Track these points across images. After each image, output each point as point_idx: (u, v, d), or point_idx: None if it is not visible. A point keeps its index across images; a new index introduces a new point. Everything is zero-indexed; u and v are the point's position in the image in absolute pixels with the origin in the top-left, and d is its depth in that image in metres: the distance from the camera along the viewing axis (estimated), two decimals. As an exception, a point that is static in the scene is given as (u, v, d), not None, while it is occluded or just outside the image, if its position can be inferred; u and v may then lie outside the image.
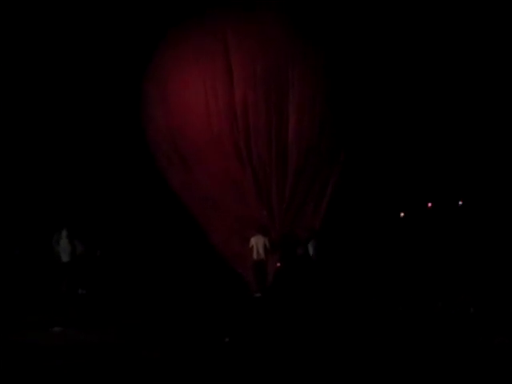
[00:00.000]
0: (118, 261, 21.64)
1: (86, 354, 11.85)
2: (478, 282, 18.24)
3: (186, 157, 20.10)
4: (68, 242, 20.15)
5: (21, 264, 20.64)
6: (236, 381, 10.25)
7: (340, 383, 10.11)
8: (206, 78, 19.52)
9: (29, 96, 22.61)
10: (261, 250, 19.71)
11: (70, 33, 22.15)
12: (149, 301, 18.10)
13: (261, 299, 19.04)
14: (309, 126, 19.38)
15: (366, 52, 19.62)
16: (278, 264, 19.81)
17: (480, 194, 23.28)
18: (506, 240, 20.65)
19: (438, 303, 16.40)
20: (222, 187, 19.92)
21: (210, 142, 19.65)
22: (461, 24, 21.15)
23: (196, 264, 21.34)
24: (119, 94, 21.80)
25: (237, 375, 10.51)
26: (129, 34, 21.79)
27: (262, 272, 19.95)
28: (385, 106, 19.88)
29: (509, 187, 22.34)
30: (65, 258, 20.07)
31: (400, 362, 11.15)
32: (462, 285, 18.22)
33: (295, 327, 14.27)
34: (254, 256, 19.78)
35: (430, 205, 24.24)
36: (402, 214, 24.02)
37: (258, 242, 19.76)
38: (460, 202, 24.00)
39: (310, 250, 19.84)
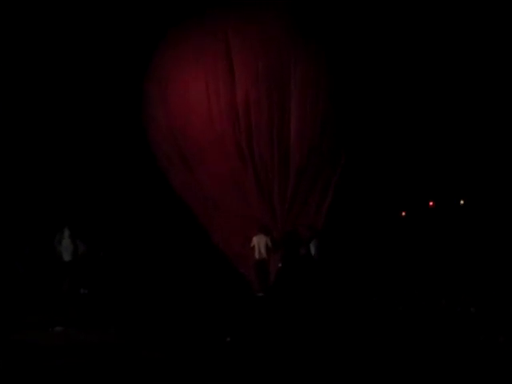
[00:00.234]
0: (119, 261, 21.66)
1: (87, 354, 11.85)
2: (479, 282, 18.23)
3: (188, 157, 20.09)
4: (70, 241, 20.13)
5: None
6: (237, 381, 10.23)
7: (340, 383, 10.10)
8: (208, 78, 19.51)
9: (31, 97, 22.63)
10: (262, 250, 19.70)
11: (71, 33, 22.16)
12: (150, 301, 18.09)
13: (263, 299, 19.02)
14: (311, 125, 19.36)
15: (368, 51, 19.59)
16: (280, 265, 19.79)
17: (481, 194, 23.28)
18: (507, 239, 20.64)
19: (439, 302, 16.38)
20: (223, 187, 19.91)
21: (211, 142, 19.63)
22: (461, 24, 21.13)
23: (198, 264, 21.35)
24: (120, 94, 21.81)
25: (238, 375, 10.50)
26: (129, 34, 21.79)
27: (263, 271, 19.93)
28: (386, 105, 19.86)
29: (510, 186, 22.32)
30: (67, 257, 20.06)
31: (400, 362, 11.14)
32: (463, 284, 18.21)
33: (297, 327, 14.25)
34: (256, 255, 19.76)
35: (431, 204, 24.26)
36: (404, 213, 24.04)
37: (259, 242, 19.75)
38: (461, 201, 24.02)
39: (312, 250, 19.82)
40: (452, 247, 21.47)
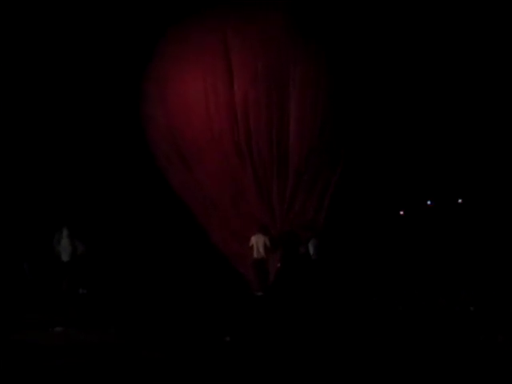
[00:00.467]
0: (118, 260, 21.65)
1: (87, 354, 11.82)
2: (478, 281, 18.25)
3: (186, 156, 20.10)
4: (69, 241, 20.11)
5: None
6: (236, 381, 10.23)
7: (340, 383, 10.10)
8: (206, 78, 19.52)
9: (28, 97, 22.60)
10: (261, 249, 19.70)
11: (69, 32, 22.14)
12: (149, 300, 18.09)
13: (262, 298, 19.02)
14: (310, 126, 19.36)
15: (368, 51, 19.60)
16: (278, 265, 19.80)
17: (480, 192, 23.29)
18: (506, 238, 20.66)
19: (439, 301, 16.39)
20: (222, 186, 19.92)
21: (210, 142, 19.65)
22: (461, 24, 21.14)
23: (197, 263, 21.35)
24: (119, 93, 21.79)
25: (237, 375, 10.49)
26: (128, 33, 21.78)
27: (262, 271, 19.94)
28: (385, 105, 19.86)
29: (508, 185, 22.34)
30: (65, 257, 20.05)
31: (400, 362, 11.14)
32: (462, 283, 18.22)
33: (296, 326, 14.26)
34: (255, 255, 19.77)
35: (429, 203, 24.28)
36: (402, 213, 24.05)
37: (258, 241, 19.76)
38: (459, 200, 24.03)
39: (311, 250, 19.83)
40: (451, 246, 21.49)
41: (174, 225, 22.34)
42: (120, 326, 14.56)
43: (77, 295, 19.49)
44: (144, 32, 21.17)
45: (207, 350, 12.21)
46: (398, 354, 11.65)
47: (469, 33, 21.35)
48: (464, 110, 22.26)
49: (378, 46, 19.72)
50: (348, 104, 19.40)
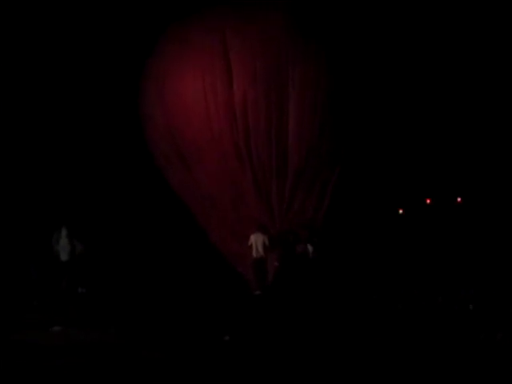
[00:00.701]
0: (117, 260, 21.65)
1: (87, 354, 11.84)
2: (478, 279, 18.26)
3: (185, 156, 20.08)
4: (67, 241, 20.09)
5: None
6: (236, 380, 10.24)
7: (340, 383, 10.12)
8: (205, 77, 19.48)
9: (26, 96, 22.58)
10: (260, 248, 19.69)
11: (68, 30, 22.11)
12: (148, 300, 18.09)
13: (261, 297, 19.03)
14: (309, 126, 19.34)
15: (367, 52, 19.59)
16: (276, 263, 19.80)
17: (479, 191, 23.30)
18: (505, 236, 20.68)
19: (437, 299, 16.41)
20: (221, 186, 19.90)
21: (209, 142, 19.62)
22: (460, 24, 21.15)
23: (196, 262, 21.35)
24: (117, 92, 21.78)
25: (237, 374, 10.51)
26: (127, 32, 21.76)
27: (261, 270, 19.93)
28: (384, 104, 19.86)
29: (507, 184, 22.36)
30: (64, 257, 20.03)
31: (400, 361, 11.16)
32: (461, 281, 18.23)
33: (295, 325, 14.27)
34: (254, 254, 19.76)
35: (428, 201, 24.28)
36: (401, 211, 24.07)
37: (257, 240, 19.74)
38: (458, 199, 24.04)
39: (310, 248, 19.84)
40: (450, 245, 21.50)
41: (172, 224, 22.33)
42: (119, 326, 14.58)
43: (76, 295, 19.48)
44: (143, 30, 21.14)
45: (206, 349, 12.21)
46: (397, 353, 11.67)
47: (468, 33, 21.35)
48: (462, 108, 22.27)
49: (377, 46, 19.70)
50: (347, 104, 19.38)
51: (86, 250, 20.30)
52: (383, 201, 21.40)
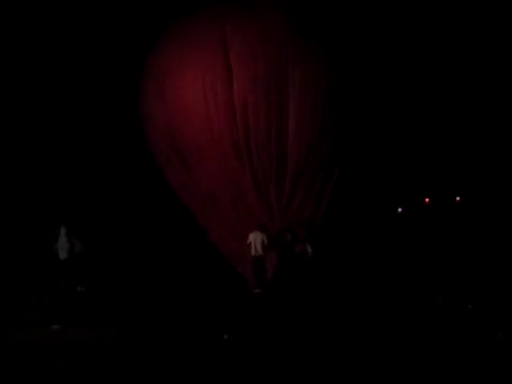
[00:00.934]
0: (117, 258, 21.65)
1: (86, 353, 11.83)
2: (477, 278, 18.26)
3: (185, 156, 20.05)
4: (66, 239, 20.09)
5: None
6: (235, 378, 10.24)
7: (340, 382, 10.11)
8: (205, 77, 19.45)
9: (26, 95, 22.56)
10: (258, 247, 19.68)
11: (68, 29, 22.08)
12: (148, 299, 18.09)
13: (260, 296, 19.03)
14: (309, 126, 19.32)
15: (367, 52, 19.57)
16: (275, 262, 19.81)
17: (478, 190, 23.32)
18: (505, 235, 20.68)
19: (437, 298, 16.41)
20: (221, 186, 19.88)
21: (209, 141, 19.59)
22: (460, 24, 21.16)
23: (195, 262, 21.34)
24: (117, 91, 21.76)
25: (236, 372, 10.50)
26: (127, 30, 21.74)
27: (260, 268, 19.93)
28: (383, 103, 19.86)
29: (506, 183, 22.37)
30: (63, 255, 20.02)
31: (400, 359, 11.16)
32: (461, 280, 18.23)
33: (294, 324, 14.26)
34: (253, 252, 19.75)
35: (427, 200, 24.29)
36: (400, 210, 24.07)
37: (256, 239, 19.73)
38: (457, 198, 24.05)
39: (309, 248, 19.83)
40: (449, 244, 21.50)
41: (172, 223, 22.32)
42: (118, 324, 14.57)
43: (75, 293, 19.48)
44: (142, 29, 21.12)
45: (206, 347, 12.20)
46: (397, 352, 11.66)
47: (468, 33, 21.36)
48: (461, 108, 22.28)
49: (377, 45, 19.69)
50: (347, 104, 19.35)
51: (84, 248, 20.29)
52: (382, 200, 21.41)
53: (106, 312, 16.39)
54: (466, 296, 16.27)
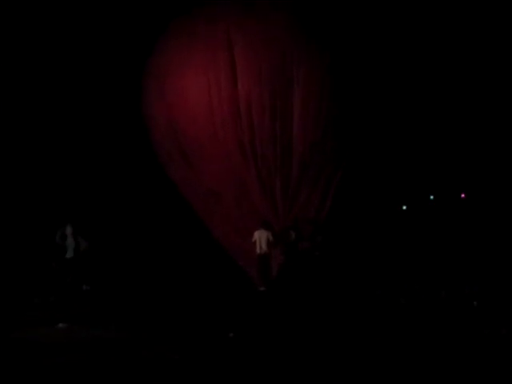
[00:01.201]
0: (121, 256, 21.68)
1: (87, 352, 11.80)
2: (482, 275, 18.22)
3: (187, 153, 20.10)
4: (72, 238, 20.12)
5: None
6: (240, 377, 10.20)
7: (343, 377, 10.07)
8: (209, 72, 19.47)
9: (32, 95, 22.61)
10: (263, 245, 19.71)
11: (68, 29, 22.10)
12: (152, 297, 18.10)
13: (265, 293, 19.02)
14: (314, 123, 19.35)
15: (370, 50, 19.56)
16: (281, 259, 19.82)
17: (482, 187, 23.27)
18: (508, 232, 20.64)
19: (441, 295, 16.38)
20: (225, 183, 19.91)
21: (212, 139, 19.62)
22: (462, 24, 21.12)
23: (200, 259, 21.34)
24: (120, 89, 21.78)
25: (241, 371, 10.47)
26: (128, 29, 21.75)
27: (265, 266, 19.93)
28: (388, 101, 19.84)
29: (510, 180, 22.32)
30: (69, 254, 20.06)
31: (404, 356, 11.11)
32: (465, 277, 18.20)
33: (299, 321, 14.24)
34: (258, 250, 19.77)
35: (432, 198, 24.25)
36: (405, 207, 24.03)
37: (260, 237, 19.76)
38: (462, 195, 24.00)
39: (314, 244, 19.84)
40: (453, 241, 21.47)
41: (176, 221, 22.33)
42: (123, 323, 14.56)
43: (80, 292, 19.50)
44: (144, 29, 21.13)
45: (210, 346, 12.17)
46: (401, 349, 11.63)
47: (469, 34, 21.32)
48: (467, 105, 22.24)
49: (380, 44, 19.68)
50: (351, 102, 19.36)
51: (90, 247, 20.32)
52: (387, 197, 21.40)
53: (111, 310, 16.38)
54: (470, 293, 16.24)
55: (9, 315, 15.36)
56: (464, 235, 21.62)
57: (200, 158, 19.90)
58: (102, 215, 22.39)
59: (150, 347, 12.08)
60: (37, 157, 22.78)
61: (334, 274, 19.04)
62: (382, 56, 19.70)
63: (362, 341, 12.34)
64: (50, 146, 22.83)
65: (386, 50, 19.76)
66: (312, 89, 19.18)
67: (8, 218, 21.64)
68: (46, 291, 19.11)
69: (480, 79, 21.97)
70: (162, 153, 20.74)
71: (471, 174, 23.30)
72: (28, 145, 22.68)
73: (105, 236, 21.48)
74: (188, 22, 20.03)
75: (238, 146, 19.64)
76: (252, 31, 19.24)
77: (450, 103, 21.82)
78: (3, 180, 21.82)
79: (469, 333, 12.70)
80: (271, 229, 19.77)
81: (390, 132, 20.16)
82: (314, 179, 19.70)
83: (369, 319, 14.35)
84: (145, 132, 21.01)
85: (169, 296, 18.12)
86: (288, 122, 19.37)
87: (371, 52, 19.59)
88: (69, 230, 20.11)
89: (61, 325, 14.34)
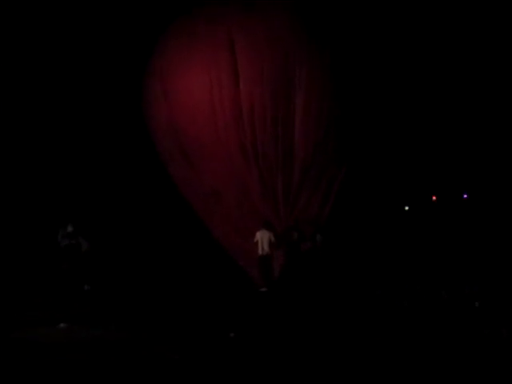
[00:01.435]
0: (122, 257, 21.68)
1: (88, 352, 11.80)
2: (483, 276, 18.20)
3: (188, 152, 20.07)
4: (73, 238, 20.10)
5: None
6: (241, 377, 10.19)
7: (345, 377, 10.05)
8: (211, 71, 19.44)
9: (38, 97, 22.64)
10: (265, 246, 19.68)
11: (70, 29, 22.13)
12: (153, 297, 18.09)
13: (266, 294, 19.00)
14: (315, 124, 19.33)
15: (373, 51, 19.56)
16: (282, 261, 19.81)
17: (484, 188, 23.27)
18: (510, 233, 20.64)
19: (442, 296, 16.35)
20: (225, 183, 19.88)
21: (214, 139, 19.59)
22: (462, 24, 21.12)
23: (201, 260, 21.34)
24: (122, 88, 21.80)
25: (241, 371, 10.46)
26: (128, 29, 21.77)
27: (267, 267, 19.91)
28: (390, 102, 19.83)
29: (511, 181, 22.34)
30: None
31: (405, 356, 11.10)
32: (466, 278, 18.18)
33: (300, 322, 14.23)
34: (259, 251, 19.74)
35: (434, 198, 24.25)
36: (407, 208, 24.04)
37: (262, 237, 19.73)
38: (464, 195, 24.01)
39: (316, 245, 19.82)
40: (455, 241, 21.47)
41: (178, 222, 22.34)
42: (123, 322, 14.56)
43: (81, 292, 19.49)
44: (145, 29, 21.15)
45: (211, 346, 12.17)
46: (402, 349, 11.61)
47: (470, 34, 21.32)
48: (470, 107, 22.25)
49: (383, 45, 19.66)
50: (353, 103, 19.34)
51: (91, 247, 20.31)
52: (389, 198, 21.40)
53: (112, 310, 16.38)
54: (471, 293, 16.21)
55: (9, 315, 15.38)
56: (465, 235, 21.62)
57: (201, 157, 19.88)
58: (102, 215, 22.40)
59: (150, 347, 12.07)
60: (38, 157, 22.80)
61: (335, 275, 19.02)
62: (385, 56, 19.69)
63: (362, 341, 12.34)
64: (51, 145, 22.85)
65: (389, 50, 19.75)
66: (314, 89, 19.16)
67: (8, 218, 21.65)
68: (48, 291, 19.14)
69: (482, 80, 21.97)
70: (163, 152, 20.73)
71: (473, 175, 23.29)
72: (30, 145, 22.70)
73: (105, 236, 21.48)
74: (188, 22, 20.00)
75: (239, 146, 19.61)
76: (254, 31, 19.21)
77: (452, 104, 21.81)
78: (5, 180, 21.84)
79: (469, 333, 12.69)
80: (273, 229, 19.75)
81: (392, 132, 20.15)
82: (315, 180, 19.68)
83: (369, 319, 14.35)
84: (146, 132, 21.00)
85: (169, 296, 18.11)
86: (290, 122, 19.34)
87: (373, 52, 19.57)
88: (70, 230, 20.10)
89: (61, 325, 14.35)
